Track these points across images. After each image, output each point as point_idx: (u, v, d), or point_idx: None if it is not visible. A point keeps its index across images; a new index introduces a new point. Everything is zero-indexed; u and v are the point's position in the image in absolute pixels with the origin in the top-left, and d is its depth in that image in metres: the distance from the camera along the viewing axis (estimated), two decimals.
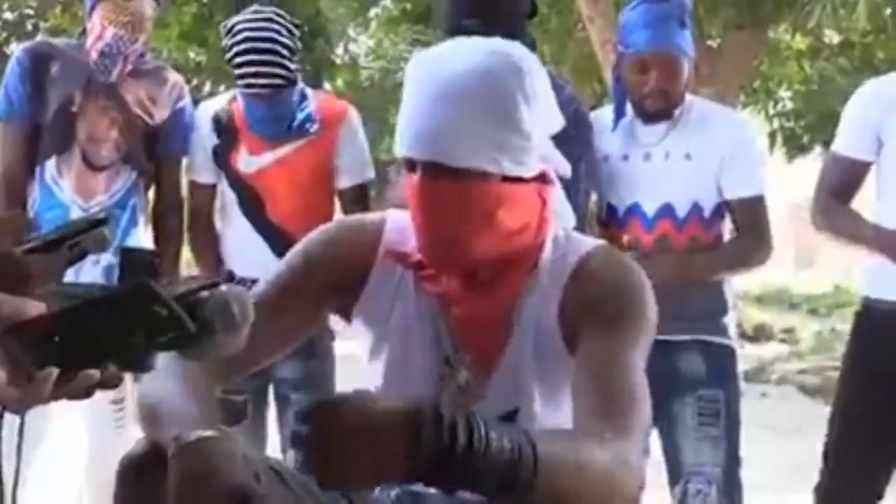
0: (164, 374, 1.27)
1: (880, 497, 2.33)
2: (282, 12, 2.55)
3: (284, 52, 2.48)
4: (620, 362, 1.26)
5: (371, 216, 1.51)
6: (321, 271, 1.40)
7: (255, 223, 2.58)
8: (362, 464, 0.99)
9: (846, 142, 2.39)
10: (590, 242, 1.43)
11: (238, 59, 2.49)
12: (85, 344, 0.75)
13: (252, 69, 2.47)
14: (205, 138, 2.62)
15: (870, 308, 2.35)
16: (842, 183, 2.38)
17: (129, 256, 0.82)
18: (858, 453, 2.31)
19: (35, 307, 0.75)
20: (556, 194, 1.42)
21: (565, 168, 1.43)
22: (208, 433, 1.13)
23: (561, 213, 1.44)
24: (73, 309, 0.76)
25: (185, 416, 1.19)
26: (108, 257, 2.44)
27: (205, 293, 0.78)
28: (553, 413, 1.41)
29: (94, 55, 2.55)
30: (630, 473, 1.15)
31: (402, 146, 1.32)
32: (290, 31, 2.51)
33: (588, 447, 1.13)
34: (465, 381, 1.40)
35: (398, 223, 1.43)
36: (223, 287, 0.80)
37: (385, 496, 1.42)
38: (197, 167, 2.67)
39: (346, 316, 1.47)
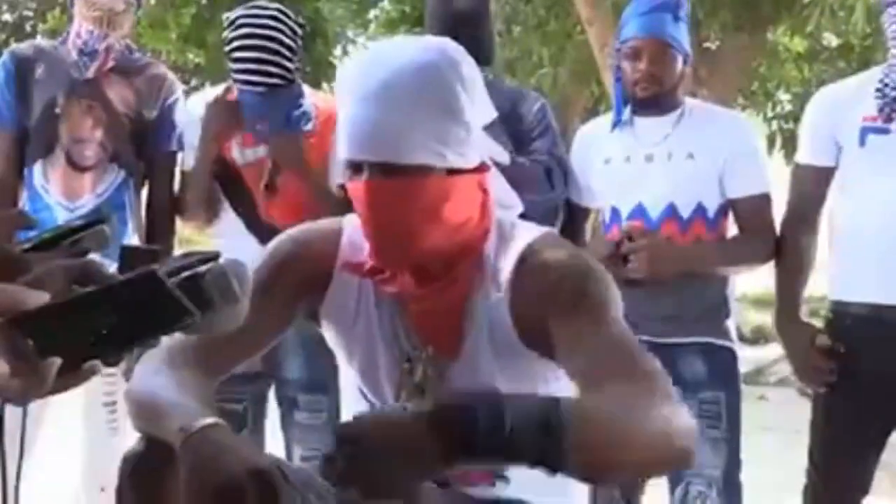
0: (153, 372, 1.28)
1: (866, 492, 2.34)
2: (286, 10, 2.51)
3: (285, 51, 2.45)
4: (608, 336, 1.25)
5: (330, 222, 1.51)
6: (289, 271, 1.42)
7: (243, 216, 2.55)
8: (401, 476, 1.02)
9: (807, 150, 2.37)
10: (533, 231, 1.41)
11: (238, 54, 2.45)
12: (90, 334, 0.74)
13: (251, 66, 2.44)
14: (198, 127, 2.56)
15: (841, 311, 2.34)
16: (809, 193, 2.36)
17: (129, 254, 0.81)
18: (842, 455, 2.32)
19: (37, 297, 0.73)
20: (498, 183, 1.43)
21: (502, 156, 1.45)
22: (212, 420, 1.13)
23: (506, 202, 1.45)
24: (78, 298, 0.75)
25: (180, 406, 1.19)
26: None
27: (203, 267, 0.77)
28: None
29: (73, 54, 2.53)
30: (675, 422, 1.14)
31: (346, 150, 1.31)
32: (293, 30, 2.48)
33: (625, 404, 1.13)
34: (421, 376, 1.41)
35: (355, 228, 1.43)
36: (221, 260, 0.79)
37: None
38: (190, 157, 2.61)
39: (316, 318, 1.48)
